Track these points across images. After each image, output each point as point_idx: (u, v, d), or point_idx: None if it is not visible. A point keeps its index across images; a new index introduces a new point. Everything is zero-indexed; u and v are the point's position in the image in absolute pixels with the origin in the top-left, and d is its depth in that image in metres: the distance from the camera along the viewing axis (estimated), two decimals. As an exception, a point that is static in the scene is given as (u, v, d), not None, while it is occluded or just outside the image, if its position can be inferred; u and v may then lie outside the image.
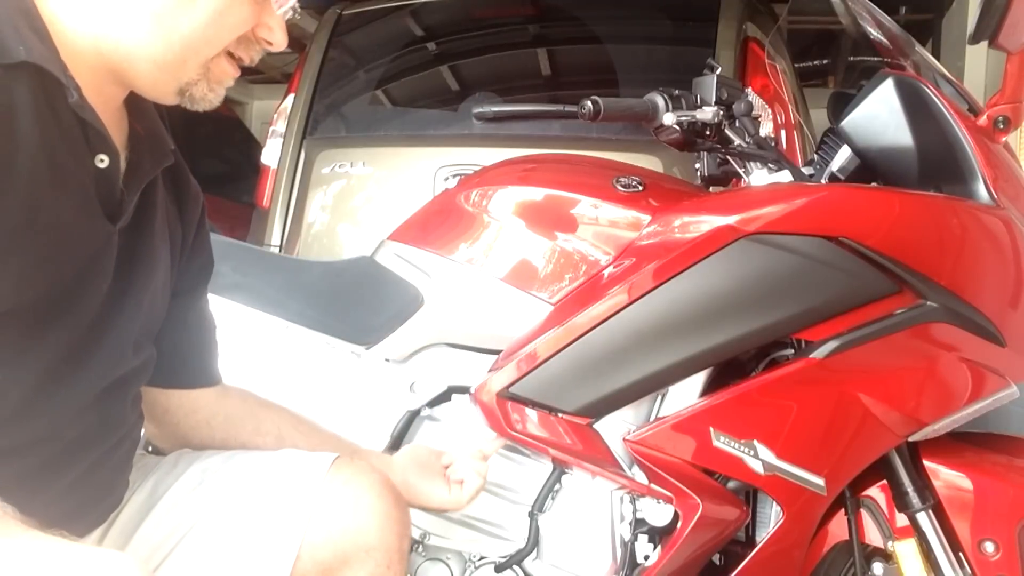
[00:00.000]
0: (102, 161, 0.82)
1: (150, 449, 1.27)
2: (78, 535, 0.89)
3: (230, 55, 0.85)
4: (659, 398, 1.22)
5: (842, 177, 1.32)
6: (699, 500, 1.17)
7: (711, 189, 1.47)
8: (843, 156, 1.32)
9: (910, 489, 1.22)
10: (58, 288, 0.80)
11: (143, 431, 1.11)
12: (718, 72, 1.33)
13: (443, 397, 1.34)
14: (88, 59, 0.80)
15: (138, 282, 0.90)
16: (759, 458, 1.15)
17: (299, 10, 0.89)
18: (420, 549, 1.30)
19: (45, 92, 0.76)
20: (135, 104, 0.90)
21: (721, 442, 1.15)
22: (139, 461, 1.05)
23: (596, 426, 1.21)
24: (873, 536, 1.26)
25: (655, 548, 1.22)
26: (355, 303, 1.40)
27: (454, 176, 2.68)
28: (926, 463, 1.25)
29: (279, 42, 0.87)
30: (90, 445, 0.89)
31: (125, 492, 1.00)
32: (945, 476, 1.24)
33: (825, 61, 6.28)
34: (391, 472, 1.14)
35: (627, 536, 1.23)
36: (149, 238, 0.92)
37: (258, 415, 1.13)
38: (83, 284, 0.83)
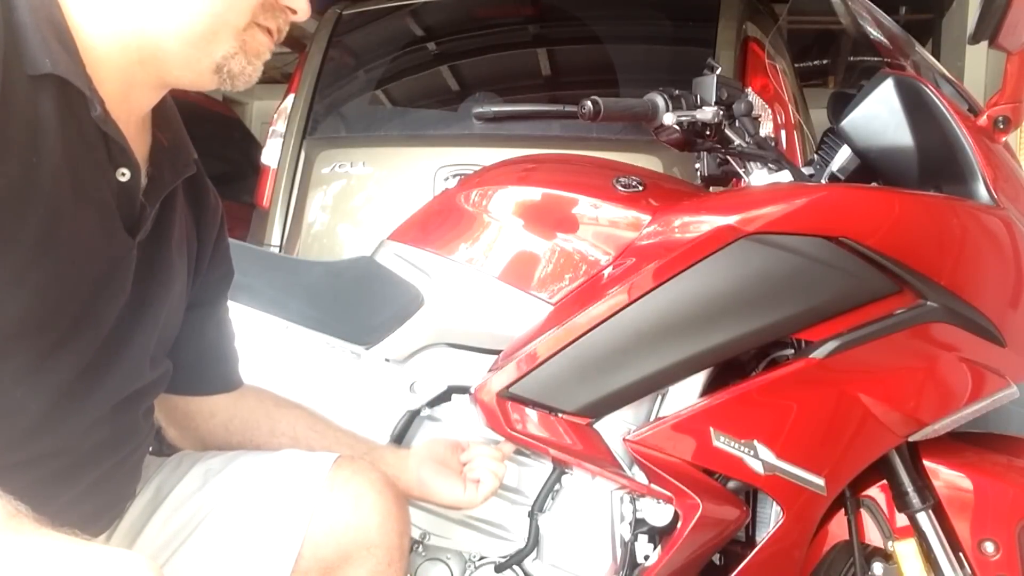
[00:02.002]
0: (123, 175, 0.82)
1: (151, 450, 1.27)
2: (87, 537, 0.90)
3: (260, 27, 0.83)
4: (659, 398, 1.22)
5: (842, 177, 1.32)
6: (699, 500, 1.17)
7: (711, 189, 1.47)
8: (843, 156, 1.32)
9: (910, 489, 1.22)
10: (77, 302, 0.80)
11: (165, 435, 1.12)
12: (718, 72, 1.33)
13: (443, 397, 1.34)
14: (116, 64, 0.80)
15: (155, 295, 0.90)
16: (759, 458, 1.15)
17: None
18: (420, 549, 1.30)
19: (69, 104, 0.76)
20: (161, 113, 0.90)
21: (721, 442, 1.15)
22: (142, 462, 1.05)
23: (596, 426, 1.21)
24: (873, 536, 1.26)
25: (655, 548, 1.22)
26: (355, 303, 1.40)
27: (454, 176, 2.68)
28: (926, 463, 1.25)
29: (302, 8, 0.85)
30: (103, 456, 0.89)
31: (132, 497, 1.01)
32: (945, 476, 1.24)
33: (825, 61, 6.28)
34: (406, 467, 1.14)
35: (627, 536, 1.23)
36: (167, 250, 0.91)
37: (274, 416, 1.13)
38: (101, 298, 0.82)
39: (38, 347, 0.78)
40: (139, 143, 0.87)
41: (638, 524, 1.23)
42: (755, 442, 1.15)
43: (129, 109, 0.84)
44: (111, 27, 0.79)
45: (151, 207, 0.86)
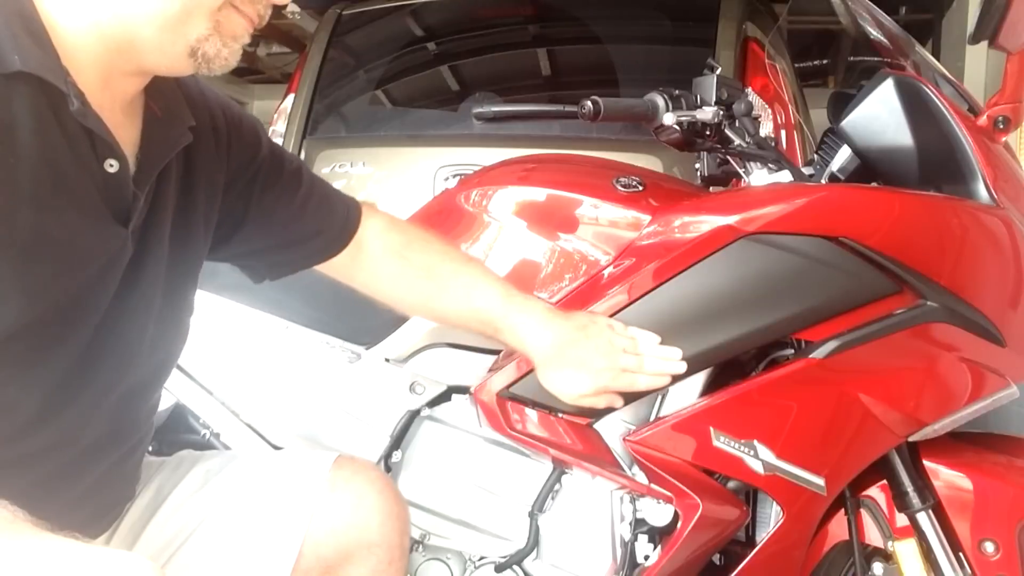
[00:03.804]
0: (111, 166, 0.80)
1: (150, 450, 1.27)
2: (89, 540, 0.89)
3: (237, 9, 0.80)
4: (659, 398, 1.22)
5: (842, 177, 1.32)
6: (699, 500, 1.17)
7: (711, 189, 1.47)
8: (843, 156, 1.32)
9: (910, 489, 1.22)
10: (70, 299, 0.79)
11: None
12: (718, 72, 1.33)
13: (443, 397, 1.34)
14: (93, 53, 0.78)
15: (147, 277, 0.87)
16: (759, 458, 1.15)
17: (298, 11, 0.87)
18: (420, 549, 1.30)
19: (47, 100, 0.74)
20: (153, 82, 0.87)
21: (721, 442, 1.15)
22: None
23: (596, 426, 1.21)
24: (873, 536, 1.26)
25: (655, 548, 1.23)
26: (355, 303, 1.40)
27: (454, 176, 2.68)
28: (926, 463, 1.25)
29: None
30: (101, 454, 0.88)
31: (131, 498, 1.00)
32: (945, 476, 1.24)
33: (825, 61, 6.28)
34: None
35: (627, 536, 1.23)
36: (160, 229, 0.88)
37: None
38: (93, 292, 0.81)
39: (32, 345, 0.77)
40: (129, 125, 0.84)
41: (638, 524, 1.23)
42: (755, 442, 1.15)
43: (112, 96, 0.81)
44: (85, 16, 0.77)
45: (142, 192, 0.84)
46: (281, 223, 1.08)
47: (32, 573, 0.63)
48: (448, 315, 1.19)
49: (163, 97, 0.88)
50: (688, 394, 1.20)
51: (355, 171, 2.95)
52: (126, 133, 0.83)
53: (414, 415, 1.34)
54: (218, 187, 0.98)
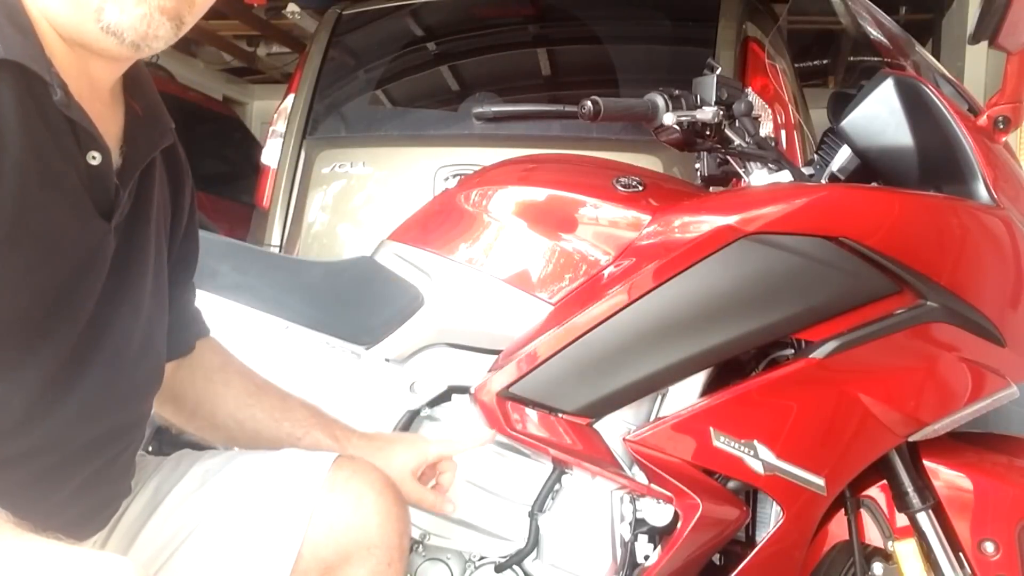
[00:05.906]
0: (94, 158, 0.79)
1: (150, 449, 1.27)
2: (81, 539, 0.89)
3: None
4: (659, 398, 1.22)
5: (842, 177, 1.32)
6: (699, 500, 1.17)
7: (711, 189, 1.47)
8: (843, 156, 1.32)
9: (910, 489, 1.22)
10: (54, 294, 0.78)
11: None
12: (718, 72, 1.33)
13: (443, 397, 1.34)
14: (69, 43, 0.76)
15: (134, 279, 0.87)
16: (759, 458, 1.15)
17: (299, 11, 0.87)
18: (420, 549, 1.30)
19: (30, 90, 0.73)
20: (133, 80, 0.86)
21: (721, 442, 1.15)
22: (140, 463, 1.05)
23: (596, 426, 1.21)
24: (873, 536, 1.26)
25: (655, 548, 1.23)
26: (355, 303, 1.40)
27: (454, 176, 2.68)
28: (926, 463, 1.25)
29: None
30: (94, 454, 0.88)
31: (127, 496, 1.00)
32: (945, 476, 1.24)
33: (825, 61, 6.27)
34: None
35: (627, 536, 1.23)
36: (145, 228, 0.88)
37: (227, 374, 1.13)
38: (79, 289, 0.80)
39: (17, 342, 0.76)
40: (111, 118, 0.83)
41: (638, 524, 1.23)
42: (755, 442, 1.15)
43: (92, 86, 0.80)
44: (51, 3, 0.75)
45: (125, 188, 0.83)
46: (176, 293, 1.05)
47: (14, 574, 0.62)
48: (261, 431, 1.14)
49: (143, 97, 0.88)
50: (688, 394, 1.20)
51: (355, 171, 2.95)
52: (108, 127, 0.82)
53: (414, 415, 1.34)
54: (174, 214, 0.98)
